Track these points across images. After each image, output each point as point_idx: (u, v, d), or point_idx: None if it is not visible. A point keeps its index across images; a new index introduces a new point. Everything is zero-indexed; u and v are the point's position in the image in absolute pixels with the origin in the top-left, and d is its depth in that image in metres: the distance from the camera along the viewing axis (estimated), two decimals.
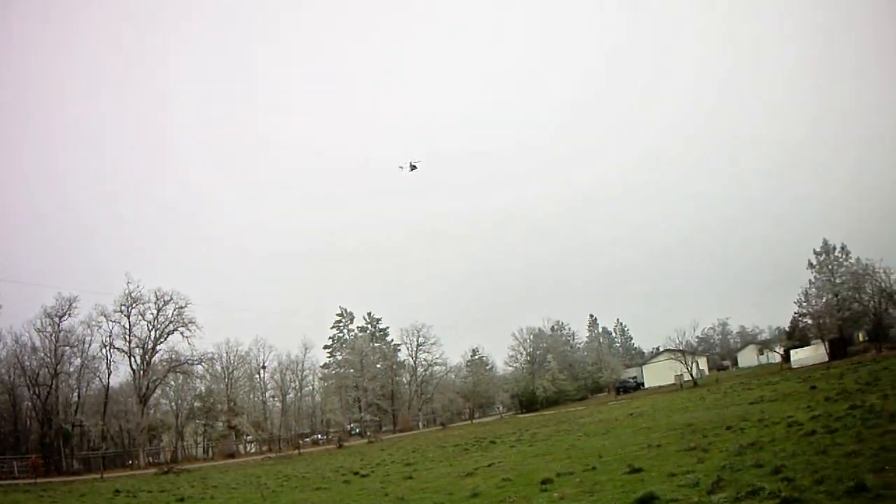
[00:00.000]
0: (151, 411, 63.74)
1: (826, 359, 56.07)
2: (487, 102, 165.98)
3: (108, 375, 61.89)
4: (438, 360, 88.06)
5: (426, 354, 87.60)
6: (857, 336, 65.45)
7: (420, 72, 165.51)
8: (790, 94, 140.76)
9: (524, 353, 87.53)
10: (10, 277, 79.97)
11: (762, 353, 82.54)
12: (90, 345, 60.03)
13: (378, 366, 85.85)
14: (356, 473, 26.44)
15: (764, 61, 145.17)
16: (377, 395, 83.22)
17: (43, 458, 49.26)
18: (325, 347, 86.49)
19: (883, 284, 58.23)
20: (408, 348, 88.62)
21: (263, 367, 74.00)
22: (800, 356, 59.95)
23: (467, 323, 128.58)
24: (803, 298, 65.33)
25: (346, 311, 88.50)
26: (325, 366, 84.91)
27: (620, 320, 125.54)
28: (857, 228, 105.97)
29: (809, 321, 64.21)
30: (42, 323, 57.13)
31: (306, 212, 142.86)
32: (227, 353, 70.34)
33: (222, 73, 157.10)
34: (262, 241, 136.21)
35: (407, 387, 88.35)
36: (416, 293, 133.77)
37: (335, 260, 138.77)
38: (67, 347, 58.22)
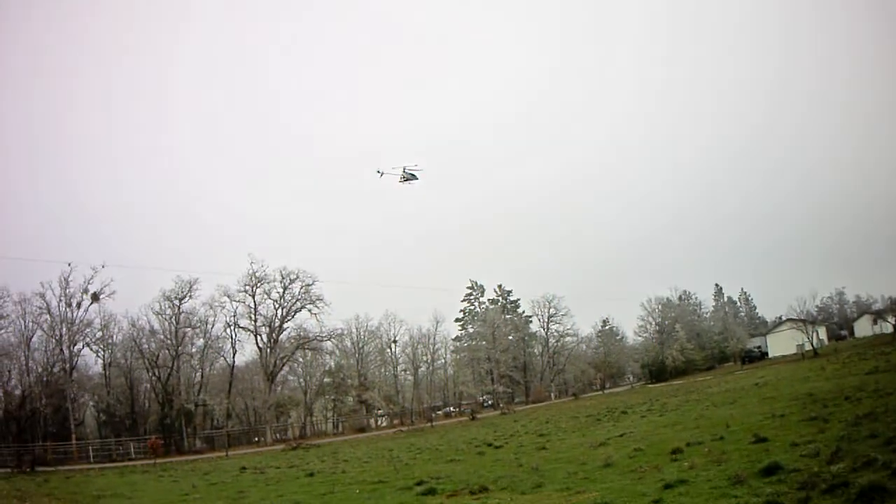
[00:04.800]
0: (279, 388, 64.65)
1: None
2: None
3: (234, 354, 62.91)
4: (569, 331, 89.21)
5: (557, 325, 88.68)
6: None
7: None
8: None
9: (653, 322, 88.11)
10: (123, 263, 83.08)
11: (876, 323, 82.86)
12: (213, 325, 61.15)
13: (510, 337, 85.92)
14: (490, 445, 26.78)
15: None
16: (509, 366, 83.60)
17: (163, 439, 50.71)
18: (457, 321, 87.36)
19: None
20: (539, 320, 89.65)
21: (395, 342, 74.95)
22: None
23: (597, 293, 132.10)
24: None
25: (476, 283, 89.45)
26: (457, 339, 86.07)
27: (745, 290, 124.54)
28: None
29: None
30: (161, 306, 58.22)
31: (433, 188, 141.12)
32: (356, 328, 71.28)
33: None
34: (393, 219, 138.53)
35: (539, 358, 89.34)
36: (547, 264, 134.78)
37: (465, 232, 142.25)
38: (189, 329, 59.19)
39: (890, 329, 69.09)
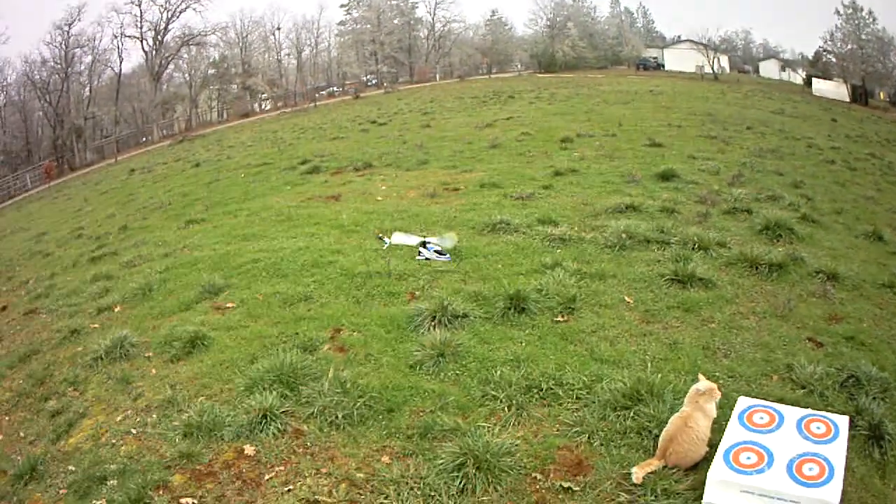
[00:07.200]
0: (165, 87, 64.53)
1: (847, 98, 55.92)
2: None
3: (120, 62, 61.79)
4: (457, 18, 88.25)
5: (444, 12, 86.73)
6: (879, 93, 64.21)
7: None
8: None
9: (544, 17, 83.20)
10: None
11: (784, 70, 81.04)
12: (101, 40, 59.60)
13: (395, 21, 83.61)
14: (373, 122, 26.20)
15: None
16: (394, 48, 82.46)
17: (56, 160, 50.73)
18: (342, 6, 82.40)
19: None
20: (426, 5, 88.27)
21: (278, 29, 74.23)
22: (821, 87, 59.52)
23: None
24: (829, 38, 62.90)
25: None
26: (342, 23, 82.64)
27: (643, 2, 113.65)
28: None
29: (833, 59, 62.72)
30: (52, 35, 56.33)
31: None
32: (240, 20, 70.65)
33: None
34: None
35: (424, 41, 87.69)
36: None
37: None
38: (78, 49, 57.76)
39: (799, 81, 68.20)
